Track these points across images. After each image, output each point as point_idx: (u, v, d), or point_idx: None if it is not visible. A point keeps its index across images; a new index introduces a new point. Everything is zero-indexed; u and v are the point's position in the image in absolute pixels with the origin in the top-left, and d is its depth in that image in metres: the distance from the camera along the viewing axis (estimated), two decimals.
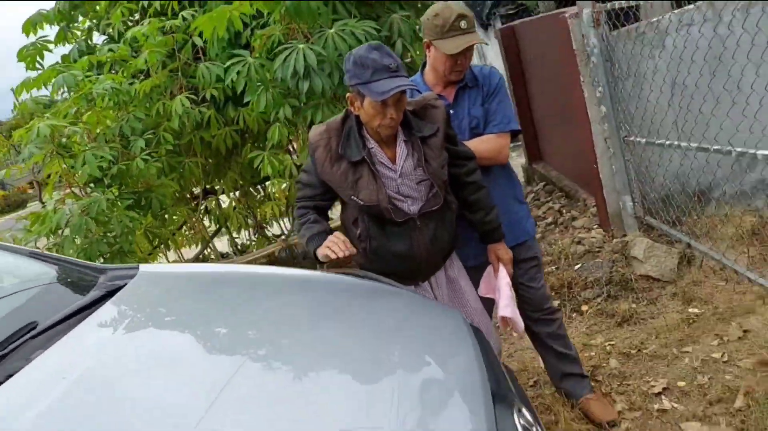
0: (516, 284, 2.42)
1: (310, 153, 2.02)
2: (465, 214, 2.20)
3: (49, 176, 4.40)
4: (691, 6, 3.43)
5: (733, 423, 2.29)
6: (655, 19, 3.46)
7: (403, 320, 1.58)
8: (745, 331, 2.78)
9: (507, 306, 2.20)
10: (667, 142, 3.15)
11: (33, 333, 1.44)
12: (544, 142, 5.74)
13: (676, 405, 2.49)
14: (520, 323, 2.28)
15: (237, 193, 4.96)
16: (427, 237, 2.04)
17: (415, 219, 2.01)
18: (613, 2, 3.44)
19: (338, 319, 1.57)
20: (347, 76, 1.90)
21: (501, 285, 2.24)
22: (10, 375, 1.28)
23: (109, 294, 1.66)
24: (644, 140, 3.38)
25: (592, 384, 2.66)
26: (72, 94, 4.19)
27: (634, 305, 3.32)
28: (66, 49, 4.99)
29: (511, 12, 8.30)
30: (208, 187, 5.29)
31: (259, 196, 5.30)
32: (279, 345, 1.44)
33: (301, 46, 3.31)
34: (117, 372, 1.34)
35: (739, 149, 2.54)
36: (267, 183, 5.23)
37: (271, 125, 3.87)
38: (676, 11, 3.49)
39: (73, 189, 3.63)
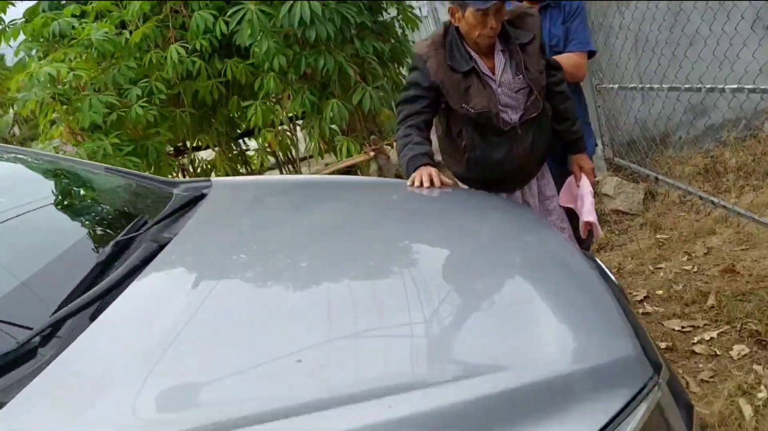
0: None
1: (419, 64, 2.08)
2: (552, 124, 2.24)
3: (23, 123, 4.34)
4: None
5: (707, 317, 2.70)
6: None
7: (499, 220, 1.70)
8: (708, 248, 3.21)
9: (590, 212, 2.29)
10: (639, 86, 3.52)
11: (152, 222, 1.59)
12: None
13: (657, 308, 2.87)
14: (600, 229, 2.38)
15: (220, 147, 5.03)
16: (527, 144, 2.12)
17: (516, 127, 2.09)
18: None
19: (429, 221, 1.69)
20: None
21: (584, 193, 2.32)
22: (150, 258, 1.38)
23: (195, 199, 1.82)
24: (617, 86, 3.75)
25: None
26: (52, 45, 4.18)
27: (609, 235, 3.71)
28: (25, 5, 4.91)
29: None
30: (180, 145, 5.33)
31: (236, 151, 5.39)
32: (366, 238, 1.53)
33: None
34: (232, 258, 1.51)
35: (708, 85, 2.91)
36: (246, 138, 5.33)
37: (259, 76, 4.00)
38: None
39: (75, 134, 3.65)
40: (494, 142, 2.11)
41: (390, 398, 0.84)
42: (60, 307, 1.12)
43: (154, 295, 1.22)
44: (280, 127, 4.31)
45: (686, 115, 3.98)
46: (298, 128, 4.67)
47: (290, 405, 0.85)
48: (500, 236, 1.57)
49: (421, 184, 1.87)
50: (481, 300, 1.19)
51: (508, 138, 2.10)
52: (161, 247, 1.41)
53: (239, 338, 1.06)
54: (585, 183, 2.33)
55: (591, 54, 2.55)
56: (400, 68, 4.32)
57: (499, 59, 2.07)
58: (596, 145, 2.70)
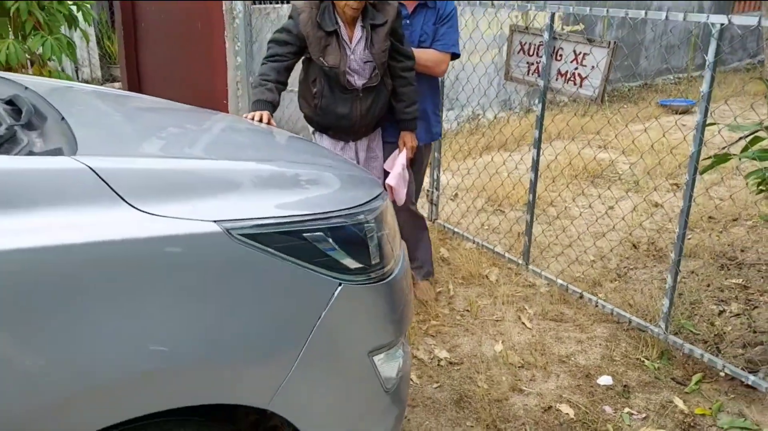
0: (414, 171, 2.98)
1: (293, 14, 2.53)
2: (392, 101, 2.73)
3: None
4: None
5: None
6: (277, 6, 5.00)
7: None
8: None
9: (393, 177, 2.74)
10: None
11: None
12: (149, 87, 6.55)
13: None
14: (402, 194, 2.79)
15: None
16: (365, 106, 2.62)
17: (359, 90, 2.58)
18: None
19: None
20: None
21: (397, 162, 2.79)
22: None
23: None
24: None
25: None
26: None
27: None
28: None
29: None
30: None
31: None
32: None
33: None
34: None
35: None
36: None
37: None
38: (289, 4, 5.11)
39: None
40: (340, 98, 2.60)
41: None
42: None
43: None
44: None
45: None
46: None
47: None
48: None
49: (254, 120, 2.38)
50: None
51: (351, 97, 2.59)
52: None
53: None
54: (402, 155, 2.82)
55: (454, 56, 2.93)
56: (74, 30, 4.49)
57: (358, 32, 2.55)
58: (440, 134, 3.19)
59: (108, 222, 1.21)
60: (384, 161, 2.91)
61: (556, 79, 2.97)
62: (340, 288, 1.49)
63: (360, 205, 1.63)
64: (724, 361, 2.50)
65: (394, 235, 1.89)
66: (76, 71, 8.52)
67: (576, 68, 2.85)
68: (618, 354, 2.80)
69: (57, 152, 1.34)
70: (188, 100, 5.82)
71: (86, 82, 8.60)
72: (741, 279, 3.36)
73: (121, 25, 6.36)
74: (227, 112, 5.08)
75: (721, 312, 3.05)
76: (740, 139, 2.62)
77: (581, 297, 3.12)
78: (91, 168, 1.21)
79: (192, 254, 1.28)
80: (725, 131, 2.61)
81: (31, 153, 1.33)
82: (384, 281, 1.64)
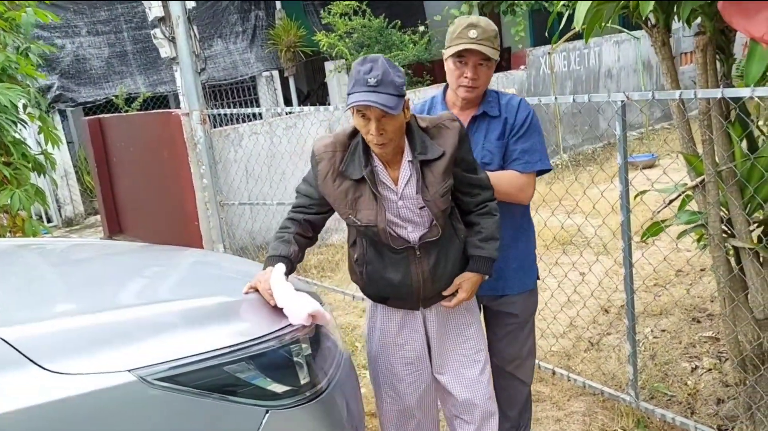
0: (494, 335, 2.31)
1: (312, 164, 1.88)
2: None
3: None
4: (258, 121, 5.38)
5: None
6: (236, 126, 5.26)
7: None
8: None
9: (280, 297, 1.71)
10: (248, 203, 4.86)
11: None
12: (126, 217, 6.74)
13: None
14: (294, 313, 1.68)
15: None
16: (427, 266, 1.87)
17: (415, 248, 1.85)
18: (213, 110, 5.07)
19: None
20: None
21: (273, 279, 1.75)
22: None
23: None
24: (237, 203, 5.01)
25: None
26: None
27: None
28: None
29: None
30: None
31: None
32: None
33: None
34: None
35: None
36: None
37: None
38: (248, 124, 5.38)
39: None
40: (391, 260, 1.88)
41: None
42: None
43: None
44: None
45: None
46: None
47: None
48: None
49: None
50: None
51: (405, 258, 1.87)
52: None
53: None
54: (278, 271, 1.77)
55: (542, 172, 2.17)
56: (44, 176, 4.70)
57: (405, 170, 1.85)
58: (538, 278, 2.33)
59: (22, 387, 1.27)
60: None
61: None
62: (267, 415, 1.53)
63: (285, 326, 1.69)
64: (696, 423, 2.48)
65: (335, 343, 1.93)
66: (59, 210, 8.78)
67: None
68: (596, 428, 2.76)
69: None
70: (162, 224, 6.01)
71: (70, 219, 8.84)
72: (711, 332, 3.36)
73: (94, 162, 6.62)
74: (199, 233, 5.22)
75: (693, 369, 3.04)
76: (671, 201, 2.72)
77: (554, 373, 3.11)
78: (2, 338, 1.28)
79: (108, 407, 1.33)
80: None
81: None
82: (318, 398, 1.67)
